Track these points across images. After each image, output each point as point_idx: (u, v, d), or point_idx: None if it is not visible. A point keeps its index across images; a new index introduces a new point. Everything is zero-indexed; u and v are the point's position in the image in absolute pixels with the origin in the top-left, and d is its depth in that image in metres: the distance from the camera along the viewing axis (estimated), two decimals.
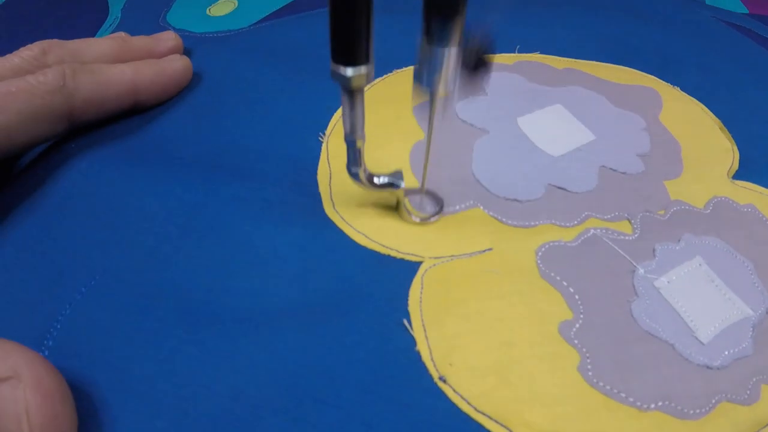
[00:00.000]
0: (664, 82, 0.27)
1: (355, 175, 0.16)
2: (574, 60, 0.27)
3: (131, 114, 0.23)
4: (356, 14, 0.12)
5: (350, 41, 0.13)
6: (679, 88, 0.27)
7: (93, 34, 0.35)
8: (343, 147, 0.16)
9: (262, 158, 0.21)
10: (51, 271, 0.18)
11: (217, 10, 0.31)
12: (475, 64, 0.14)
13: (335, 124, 0.22)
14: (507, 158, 0.20)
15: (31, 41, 0.38)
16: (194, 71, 0.25)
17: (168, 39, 0.25)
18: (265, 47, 0.27)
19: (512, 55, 0.27)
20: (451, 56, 0.13)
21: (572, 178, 0.20)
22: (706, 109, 0.26)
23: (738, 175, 0.23)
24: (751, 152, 0.24)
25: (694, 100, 0.27)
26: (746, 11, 0.38)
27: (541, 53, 0.27)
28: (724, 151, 0.24)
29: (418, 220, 0.18)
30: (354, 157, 0.16)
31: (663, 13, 0.33)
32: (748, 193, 0.21)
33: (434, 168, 0.19)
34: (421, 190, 0.18)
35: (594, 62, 0.27)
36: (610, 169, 0.20)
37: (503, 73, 0.24)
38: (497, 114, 0.22)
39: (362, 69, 0.13)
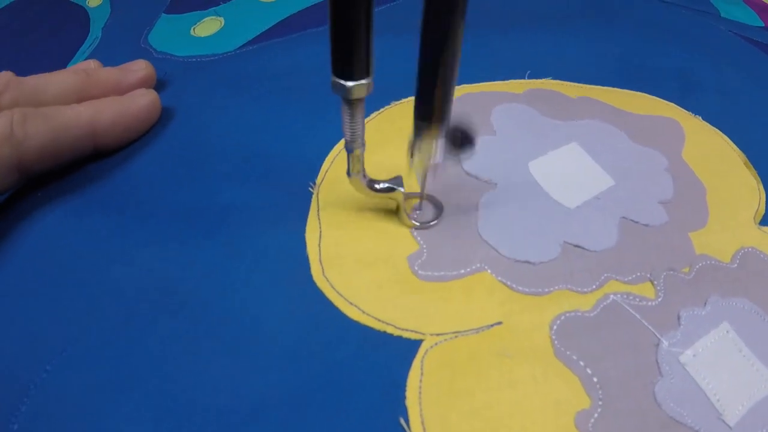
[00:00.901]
0: (684, 111, 0.25)
1: (356, 182, 0.17)
2: (588, 86, 0.25)
3: (98, 158, 0.21)
4: (356, 30, 0.12)
5: (350, 56, 0.13)
6: (700, 118, 0.25)
7: (73, 54, 0.33)
8: (336, 199, 0.17)
9: (243, 215, 0.18)
10: (13, 347, 0.16)
11: (202, 30, 0.29)
12: (460, 144, 0.16)
13: (327, 170, 0.20)
14: (517, 214, 0.18)
15: (11, 58, 0.36)
16: (171, 105, 0.23)
17: (138, 69, 0.23)
18: (251, 76, 0.24)
19: (522, 81, 0.24)
20: (438, 145, 0.15)
21: (590, 234, 0.18)
22: (729, 140, 0.24)
23: (765, 220, 0.21)
24: None
25: (717, 131, 0.25)
26: (762, 24, 0.35)
27: (552, 78, 0.25)
28: (750, 191, 0.22)
29: (417, 224, 0.18)
30: (354, 165, 0.16)
31: (679, 28, 0.31)
32: None
33: (437, 229, 0.18)
34: (421, 195, 0.18)
35: (610, 88, 0.25)
36: (632, 220, 0.19)
37: (513, 105, 0.22)
38: (506, 159, 0.20)
39: (362, 81, 0.13)
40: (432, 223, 0.18)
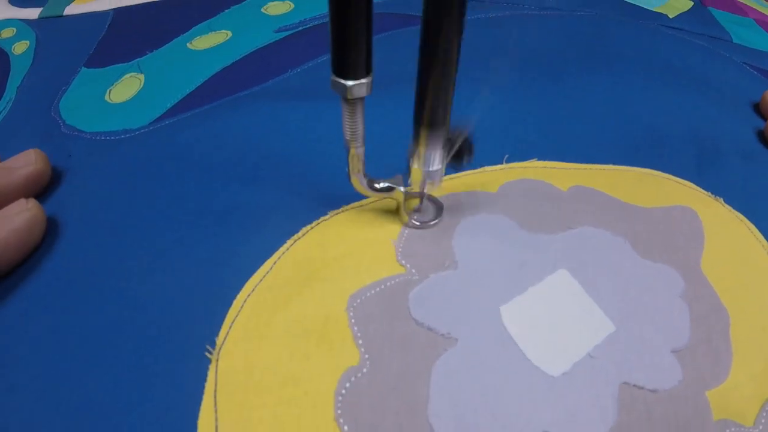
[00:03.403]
0: (703, 193, 0.20)
1: (356, 182, 0.16)
2: (584, 167, 0.20)
3: None
4: (356, 28, 0.12)
5: (350, 54, 0.13)
6: (722, 200, 0.20)
7: None
8: (247, 379, 0.14)
9: (122, 389, 0.14)
10: None
11: (118, 94, 0.24)
12: (458, 152, 0.15)
13: (231, 325, 0.15)
14: (481, 388, 0.14)
15: None
16: (64, 209, 0.19)
17: (27, 165, 0.19)
18: (159, 164, 0.20)
19: (498, 169, 0.20)
20: (436, 151, 0.15)
21: (580, 415, 0.13)
22: (755, 230, 0.20)
23: None
24: None
25: (741, 218, 0.20)
26: None
27: (539, 159, 0.20)
28: None
29: (418, 224, 0.17)
30: (355, 165, 0.16)
31: (691, 69, 0.26)
32: None
33: (374, 412, 0.13)
34: (421, 195, 0.18)
35: (611, 168, 0.20)
36: (635, 386, 0.14)
37: (482, 217, 0.17)
38: (471, 302, 0.15)
39: (362, 80, 0.13)
40: (432, 223, 0.17)
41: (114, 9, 0.31)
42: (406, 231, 0.17)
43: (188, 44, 0.26)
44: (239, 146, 0.20)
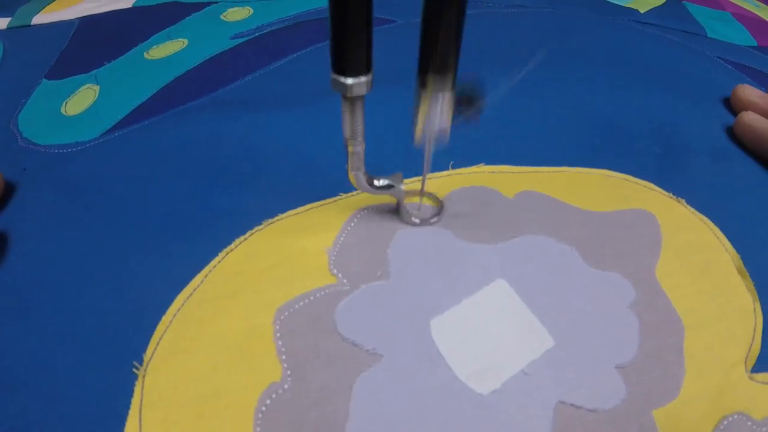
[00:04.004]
0: (664, 194, 0.20)
1: (356, 179, 0.16)
2: (534, 170, 0.19)
3: None
4: (356, 27, 0.12)
5: (350, 53, 0.13)
6: (684, 202, 0.19)
7: None
8: (171, 394, 0.13)
9: (54, 402, 0.14)
10: None
11: (73, 106, 0.24)
12: (468, 105, 0.15)
13: (159, 340, 0.15)
14: (404, 407, 0.13)
15: None
16: (14, 222, 0.19)
17: None
18: (105, 178, 0.20)
19: (443, 175, 0.19)
20: (445, 100, 0.14)
21: None
22: (720, 235, 0.19)
23: (760, 361, 0.15)
24: None
25: (705, 220, 0.19)
26: (754, 43, 0.29)
27: (486, 163, 0.19)
28: (743, 318, 0.16)
29: (417, 221, 0.17)
30: (354, 163, 0.15)
31: (660, 63, 0.25)
32: None
33: (295, 427, 0.13)
34: (421, 193, 0.18)
35: (565, 170, 0.19)
36: (572, 405, 0.13)
37: (419, 229, 0.17)
38: (401, 316, 0.14)
39: (362, 78, 0.13)
40: (432, 221, 0.17)
41: (79, 18, 0.31)
42: (342, 238, 0.17)
43: (145, 54, 0.26)
44: (181, 159, 0.20)
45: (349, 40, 0.12)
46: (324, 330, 0.14)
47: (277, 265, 0.16)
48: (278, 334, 0.14)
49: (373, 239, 0.16)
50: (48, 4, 0.33)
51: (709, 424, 0.14)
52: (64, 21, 0.31)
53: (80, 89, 0.25)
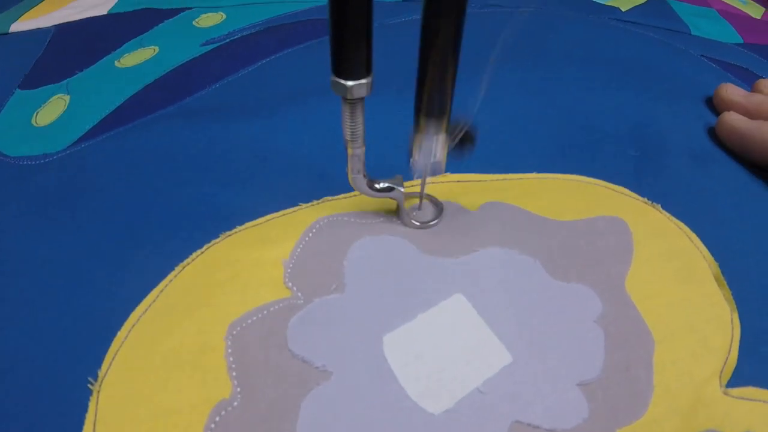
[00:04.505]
0: (638, 199, 0.19)
1: (356, 182, 0.16)
2: (501, 178, 0.19)
3: None
4: (356, 29, 0.12)
5: (350, 55, 0.13)
6: (660, 207, 0.19)
7: None
8: (124, 411, 0.13)
9: (10, 416, 0.13)
10: None
11: (44, 116, 0.24)
12: (461, 141, 0.15)
13: (115, 355, 0.14)
14: (351, 426, 0.12)
15: None
16: None
17: None
18: (69, 191, 0.19)
19: (408, 185, 0.18)
20: (438, 140, 0.15)
21: None
22: (697, 240, 0.18)
23: (736, 376, 0.15)
24: (755, 320, 0.16)
25: (681, 225, 0.18)
26: (740, 40, 0.28)
27: (452, 172, 0.19)
28: (720, 328, 0.15)
29: (418, 224, 0.17)
30: (355, 165, 0.15)
31: (639, 63, 0.24)
32: (748, 410, 0.13)
33: None
34: (421, 196, 0.18)
35: (533, 177, 0.19)
36: (529, 425, 0.13)
37: (381, 237, 0.16)
38: (353, 329, 0.14)
39: (362, 81, 0.13)
40: (432, 223, 0.17)
41: (56, 26, 0.30)
42: (299, 249, 0.16)
43: (116, 62, 0.26)
44: (145, 170, 0.20)
45: (349, 41, 0.12)
46: (275, 346, 0.14)
47: (232, 278, 0.15)
48: (230, 350, 0.14)
49: (331, 250, 0.16)
50: (26, 11, 0.33)
51: None
52: (41, 29, 0.31)
53: (51, 99, 0.25)
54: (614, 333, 0.14)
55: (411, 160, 0.15)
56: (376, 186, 0.16)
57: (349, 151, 0.15)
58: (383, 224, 0.16)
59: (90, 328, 0.15)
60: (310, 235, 0.16)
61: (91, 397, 0.14)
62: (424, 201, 0.18)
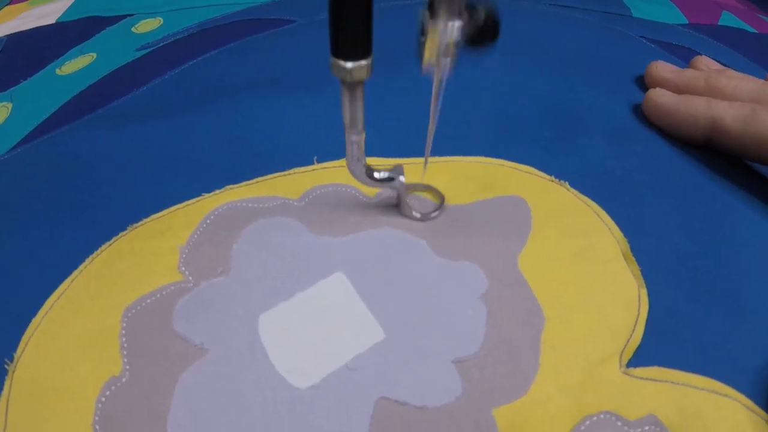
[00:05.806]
0: (544, 178, 0.19)
1: (355, 171, 0.16)
2: (405, 161, 0.19)
3: None
4: (356, 9, 0.12)
5: (350, 37, 0.12)
6: (568, 185, 0.19)
7: None
8: (31, 389, 0.14)
9: None
10: None
11: None
12: (480, 33, 0.14)
13: (29, 339, 0.15)
14: (223, 401, 0.13)
15: None
16: None
17: None
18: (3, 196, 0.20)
19: (309, 170, 0.19)
20: (454, 29, 0.13)
21: None
22: (606, 217, 0.18)
23: (641, 355, 0.14)
24: (666, 298, 0.15)
25: (590, 202, 0.18)
26: (685, 21, 0.28)
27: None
28: (626, 308, 0.15)
29: (418, 215, 0.17)
30: (354, 153, 0.15)
31: (568, 46, 0.24)
32: (653, 392, 0.13)
33: (127, 418, 0.13)
34: (420, 187, 0.17)
35: (434, 160, 0.19)
36: (396, 401, 0.13)
37: (275, 220, 0.17)
38: (232, 310, 0.15)
39: (362, 62, 0.13)
40: (433, 215, 0.17)
41: (8, 36, 0.32)
42: (195, 236, 0.17)
43: (57, 70, 0.27)
44: (66, 173, 0.20)
45: (348, 21, 0.12)
46: (161, 326, 0.15)
47: (132, 266, 0.16)
48: (123, 332, 0.15)
49: (224, 235, 0.16)
50: None
51: (565, 424, 0.13)
52: None
53: None
54: (498, 310, 0.14)
55: (420, 57, 0.14)
56: (376, 176, 0.16)
57: (349, 137, 0.14)
58: (278, 207, 0.17)
59: (9, 314, 0.16)
60: (208, 222, 0.17)
61: (6, 377, 0.15)
62: (422, 194, 0.17)
